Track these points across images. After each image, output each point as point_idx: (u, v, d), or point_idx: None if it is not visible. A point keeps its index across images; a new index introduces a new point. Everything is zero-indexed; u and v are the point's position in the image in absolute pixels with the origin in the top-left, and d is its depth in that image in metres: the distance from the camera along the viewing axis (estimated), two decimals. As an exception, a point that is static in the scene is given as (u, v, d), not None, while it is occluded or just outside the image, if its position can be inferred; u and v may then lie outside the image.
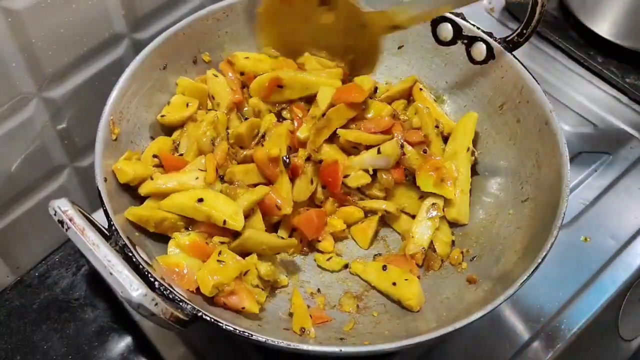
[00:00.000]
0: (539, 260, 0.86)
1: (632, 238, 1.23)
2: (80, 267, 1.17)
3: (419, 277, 1.03)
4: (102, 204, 0.88)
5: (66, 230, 0.78)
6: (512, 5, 1.60)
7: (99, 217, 0.89)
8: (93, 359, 1.08)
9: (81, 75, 1.11)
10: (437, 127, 1.12)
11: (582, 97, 1.44)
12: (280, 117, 1.12)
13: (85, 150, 1.19)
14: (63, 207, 0.79)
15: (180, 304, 0.80)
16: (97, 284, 1.15)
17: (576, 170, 1.30)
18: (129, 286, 0.74)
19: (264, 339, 0.79)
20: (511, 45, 1.10)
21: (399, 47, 1.23)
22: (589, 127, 1.39)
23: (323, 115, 1.06)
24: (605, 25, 1.48)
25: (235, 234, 0.97)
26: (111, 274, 0.75)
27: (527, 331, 1.12)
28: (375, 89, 1.15)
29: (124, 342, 1.10)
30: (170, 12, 1.20)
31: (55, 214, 0.80)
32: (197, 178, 1.00)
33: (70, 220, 0.78)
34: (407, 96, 1.21)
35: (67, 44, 1.06)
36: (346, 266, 1.07)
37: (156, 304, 0.75)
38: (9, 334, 1.10)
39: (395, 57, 1.23)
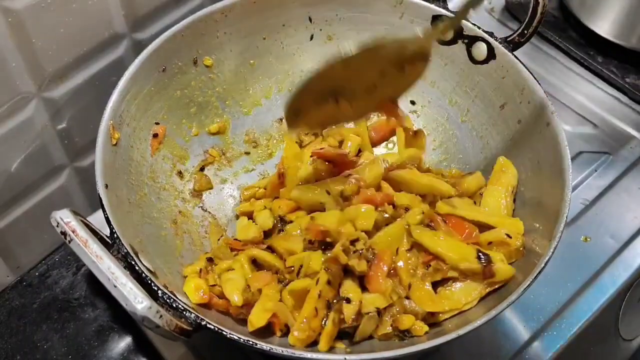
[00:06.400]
0: (542, 265, 0.86)
1: (632, 238, 1.22)
2: (81, 267, 1.17)
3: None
4: (104, 212, 0.87)
5: (69, 242, 0.78)
6: (512, 5, 1.59)
7: (98, 217, 0.89)
8: (93, 358, 1.08)
9: (81, 75, 1.11)
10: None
11: (582, 97, 1.44)
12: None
13: (86, 150, 1.19)
14: (65, 219, 0.79)
15: (184, 312, 0.80)
16: (98, 283, 1.11)
17: (576, 170, 1.29)
18: (134, 299, 0.74)
19: (267, 348, 0.79)
20: (512, 45, 1.10)
21: (400, 47, 1.22)
22: (589, 127, 1.39)
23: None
24: (605, 25, 1.48)
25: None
26: (115, 286, 0.75)
27: (527, 331, 1.12)
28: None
29: (124, 342, 1.09)
30: (171, 11, 1.20)
31: (57, 225, 0.79)
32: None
33: (73, 232, 0.78)
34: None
35: (67, 44, 1.05)
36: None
37: (160, 316, 0.75)
38: (9, 333, 1.09)
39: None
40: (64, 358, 1.08)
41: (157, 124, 1.09)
